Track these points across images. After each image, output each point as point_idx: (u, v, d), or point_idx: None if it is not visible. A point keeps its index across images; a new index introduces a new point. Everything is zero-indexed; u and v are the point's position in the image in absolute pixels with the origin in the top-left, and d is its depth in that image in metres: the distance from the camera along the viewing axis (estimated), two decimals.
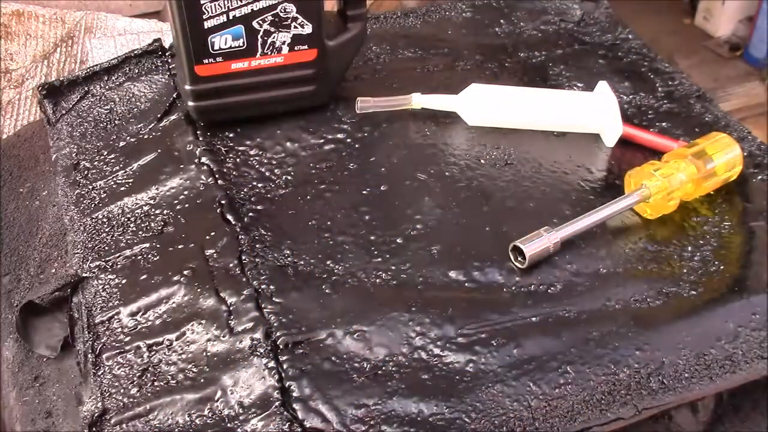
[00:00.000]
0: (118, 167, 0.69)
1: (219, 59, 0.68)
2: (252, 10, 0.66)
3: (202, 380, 0.52)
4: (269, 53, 0.69)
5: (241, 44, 0.68)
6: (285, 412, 0.49)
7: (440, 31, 0.88)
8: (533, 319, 0.55)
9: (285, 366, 0.52)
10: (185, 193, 0.66)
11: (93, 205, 0.66)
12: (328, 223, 0.63)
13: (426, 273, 0.59)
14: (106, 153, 0.71)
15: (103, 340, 0.55)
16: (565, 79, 0.80)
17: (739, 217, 0.65)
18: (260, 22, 0.67)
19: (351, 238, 0.62)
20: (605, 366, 0.52)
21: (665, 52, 1.86)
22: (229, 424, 0.49)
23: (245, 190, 0.66)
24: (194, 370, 0.53)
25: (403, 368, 0.52)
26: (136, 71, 0.79)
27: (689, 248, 0.62)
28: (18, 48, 1.13)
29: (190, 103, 0.70)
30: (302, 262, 0.59)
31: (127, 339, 0.55)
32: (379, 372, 0.52)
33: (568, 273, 0.59)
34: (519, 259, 0.59)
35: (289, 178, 0.67)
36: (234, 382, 0.52)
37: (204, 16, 0.65)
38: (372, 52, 0.83)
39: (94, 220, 0.64)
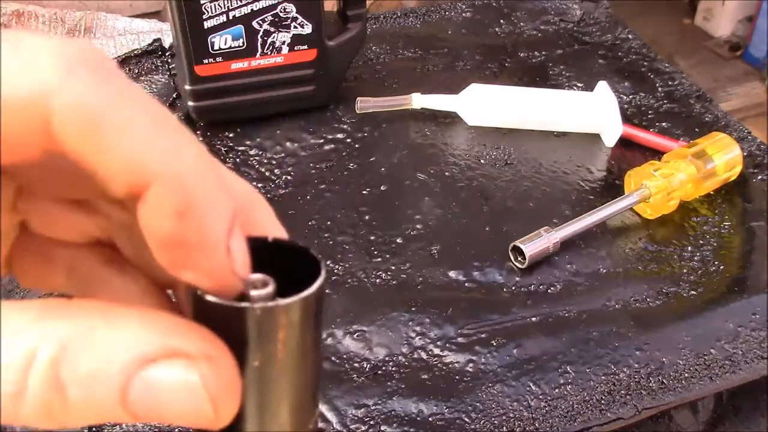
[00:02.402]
0: None
1: (219, 59, 0.68)
2: (252, 10, 0.66)
3: None
4: (269, 53, 0.69)
5: (241, 44, 0.68)
6: None
7: (440, 31, 0.88)
8: (533, 319, 0.55)
9: None
10: None
11: None
12: (328, 223, 0.63)
13: (426, 273, 0.59)
14: None
15: None
16: (565, 79, 0.80)
17: (739, 217, 0.65)
18: (260, 22, 0.67)
19: (351, 238, 0.62)
20: (605, 366, 0.52)
21: (665, 52, 1.86)
22: None
23: None
24: None
25: (403, 368, 0.52)
26: (136, 71, 0.79)
27: (689, 248, 0.62)
28: None
29: (190, 103, 0.70)
30: None
31: None
32: (379, 372, 0.52)
33: (568, 273, 0.59)
34: (519, 259, 0.59)
35: (289, 178, 0.67)
36: None
37: (204, 16, 0.65)
38: (372, 52, 0.83)
39: None
